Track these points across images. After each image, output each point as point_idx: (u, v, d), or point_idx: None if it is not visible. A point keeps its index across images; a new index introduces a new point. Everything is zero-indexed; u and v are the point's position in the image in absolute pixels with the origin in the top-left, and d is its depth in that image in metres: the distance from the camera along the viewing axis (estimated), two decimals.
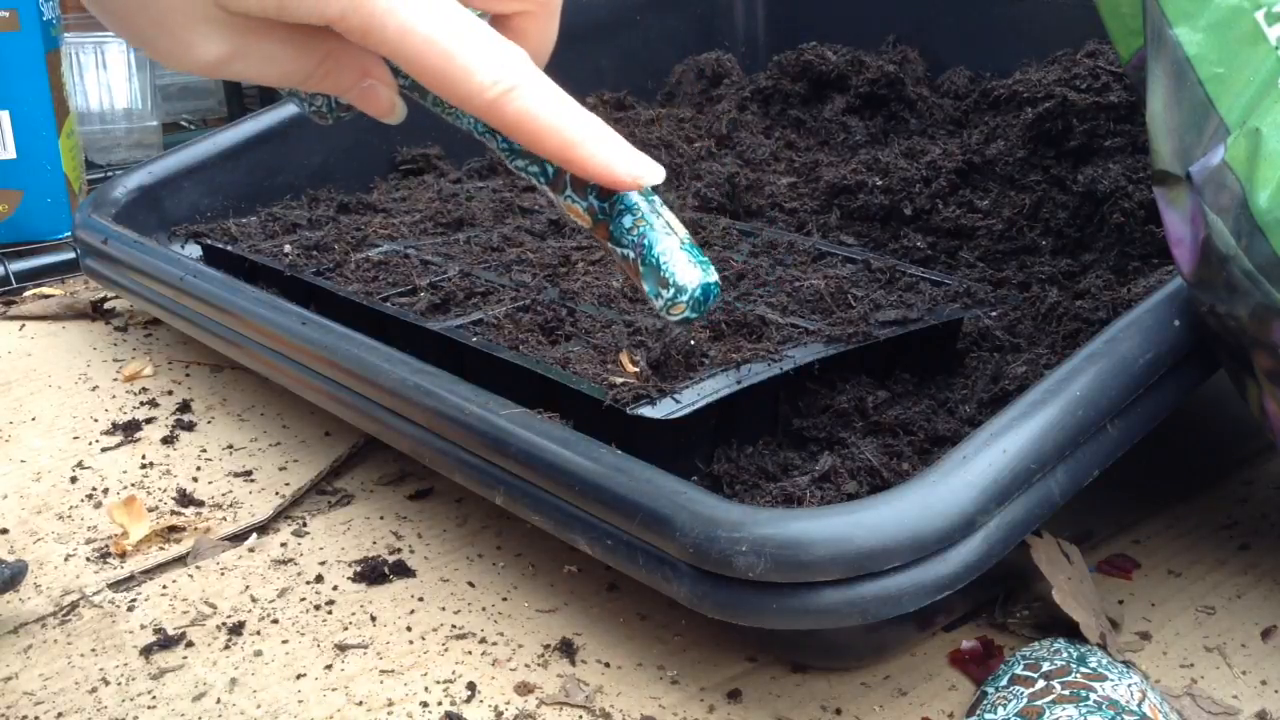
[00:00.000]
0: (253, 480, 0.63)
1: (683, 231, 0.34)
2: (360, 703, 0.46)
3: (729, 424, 0.53)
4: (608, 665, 0.48)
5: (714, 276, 0.34)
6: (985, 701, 0.43)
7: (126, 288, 0.75)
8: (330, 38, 0.34)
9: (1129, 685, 0.42)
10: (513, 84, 0.32)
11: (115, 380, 0.75)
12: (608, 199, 0.35)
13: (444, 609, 0.52)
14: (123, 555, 0.56)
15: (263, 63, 0.33)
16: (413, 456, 0.55)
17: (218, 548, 0.57)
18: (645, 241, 0.34)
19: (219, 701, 0.46)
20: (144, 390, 0.74)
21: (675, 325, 0.41)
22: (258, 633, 0.50)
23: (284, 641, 0.50)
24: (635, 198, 0.34)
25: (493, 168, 0.93)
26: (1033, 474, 0.43)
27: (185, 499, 0.61)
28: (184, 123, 1.41)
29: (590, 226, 0.35)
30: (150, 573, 0.55)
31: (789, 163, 0.87)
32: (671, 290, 0.34)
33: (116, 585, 0.54)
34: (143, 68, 1.24)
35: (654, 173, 0.34)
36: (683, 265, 0.34)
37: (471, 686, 0.47)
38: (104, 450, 0.67)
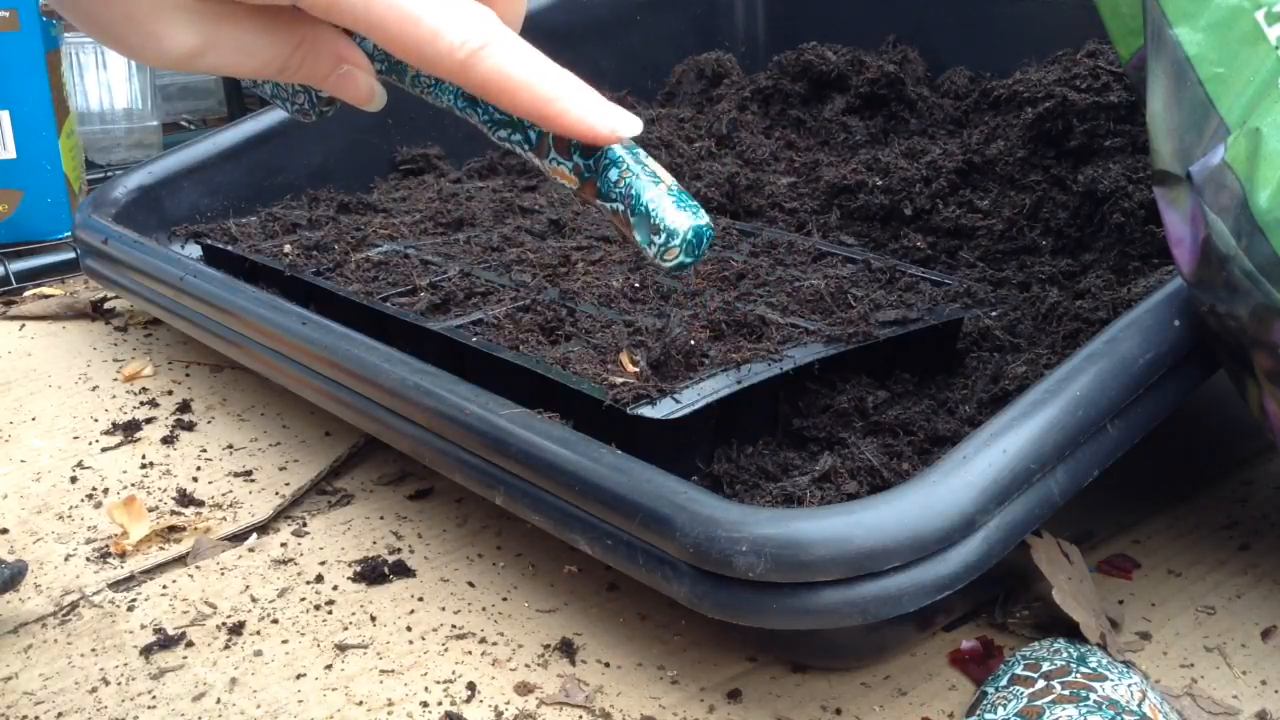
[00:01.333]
0: (253, 480, 0.63)
1: (669, 179, 0.34)
2: (360, 703, 0.46)
3: (729, 424, 0.53)
4: (608, 665, 0.48)
5: (704, 219, 0.34)
6: (985, 701, 0.43)
7: (126, 288, 0.75)
8: (302, 24, 0.33)
9: (1129, 685, 0.42)
10: (482, 42, 0.31)
11: (115, 380, 0.75)
12: (592, 156, 0.34)
13: (444, 609, 0.52)
14: (123, 555, 0.56)
15: (237, 53, 0.33)
16: (413, 456, 0.55)
17: (218, 548, 0.57)
18: (633, 192, 0.34)
19: (219, 701, 0.46)
20: (144, 390, 0.74)
21: (671, 271, 0.40)
22: (258, 633, 0.50)
23: (284, 641, 0.50)
24: (619, 151, 0.34)
25: (493, 167, 0.93)
26: (1033, 474, 0.43)
27: (185, 499, 0.61)
28: (184, 123, 1.41)
29: (577, 186, 0.35)
30: (150, 573, 0.55)
31: (789, 163, 0.87)
32: (664, 235, 0.33)
33: (116, 585, 0.54)
34: (143, 68, 1.24)
35: (630, 124, 0.33)
36: (671, 210, 0.33)
37: (471, 686, 0.47)
38: (104, 450, 0.67)
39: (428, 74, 0.36)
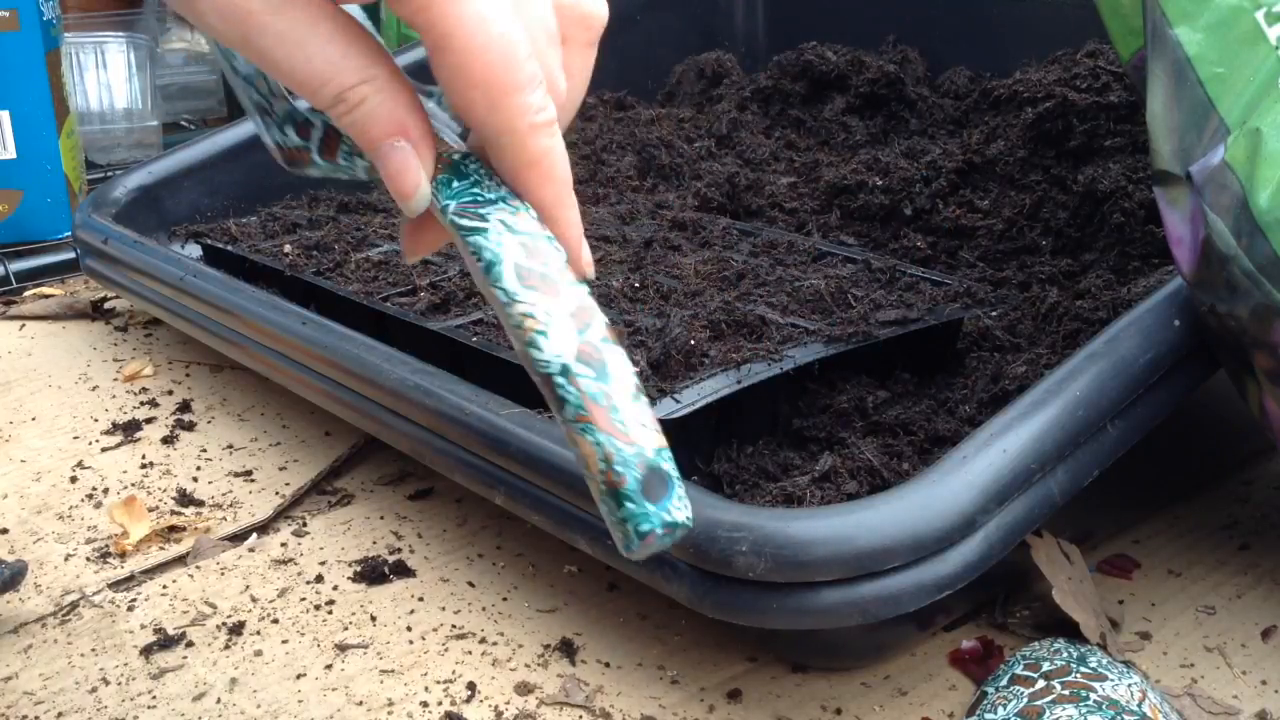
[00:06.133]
0: (253, 480, 0.63)
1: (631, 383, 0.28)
2: (360, 703, 0.46)
3: (729, 424, 0.53)
4: (608, 665, 0.48)
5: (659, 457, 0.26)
6: (985, 701, 0.43)
7: (126, 288, 0.75)
8: (383, 58, 0.29)
9: (1129, 685, 0.42)
10: (552, 119, 0.30)
11: (115, 380, 0.75)
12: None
13: (444, 609, 0.52)
14: (123, 555, 0.56)
15: (294, 48, 0.28)
16: (413, 456, 0.55)
17: (218, 548, 0.57)
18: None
19: (219, 701, 0.46)
20: (144, 390, 0.74)
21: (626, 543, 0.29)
22: (258, 633, 0.50)
23: (284, 641, 0.50)
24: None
25: None
26: (1033, 474, 0.43)
27: (185, 499, 0.61)
28: (184, 123, 1.41)
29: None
30: (150, 573, 0.55)
31: (789, 163, 0.87)
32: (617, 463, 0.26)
33: (116, 585, 0.54)
34: (143, 68, 1.24)
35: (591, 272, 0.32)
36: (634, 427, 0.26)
37: (471, 686, 0.47)
38: (104, 450, 0.67)
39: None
